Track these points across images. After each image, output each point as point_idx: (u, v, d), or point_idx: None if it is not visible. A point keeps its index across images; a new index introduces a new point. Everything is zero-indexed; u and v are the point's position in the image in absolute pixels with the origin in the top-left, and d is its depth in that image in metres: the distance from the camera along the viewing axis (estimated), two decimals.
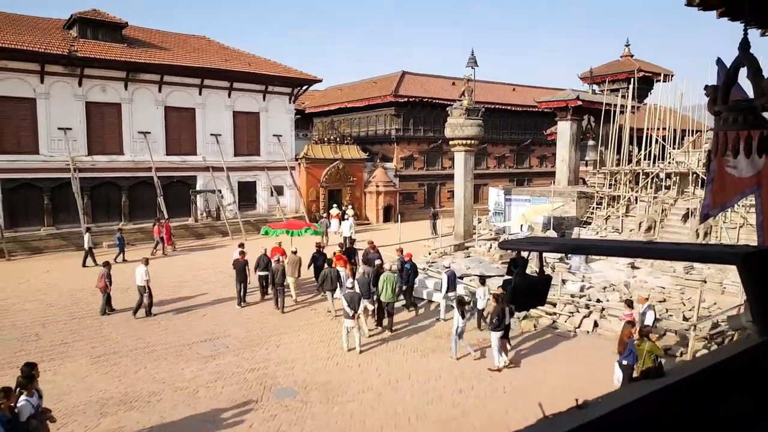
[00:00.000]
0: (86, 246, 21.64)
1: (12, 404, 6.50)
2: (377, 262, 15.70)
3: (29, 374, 7.14)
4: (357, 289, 13.10)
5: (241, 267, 15.83)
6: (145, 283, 14.75)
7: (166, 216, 26.28)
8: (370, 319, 14.04)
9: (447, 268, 15.39)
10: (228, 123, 30.53)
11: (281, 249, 17.20)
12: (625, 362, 9.65)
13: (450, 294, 14.30)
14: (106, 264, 15.56)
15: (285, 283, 15.64)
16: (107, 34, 27.40)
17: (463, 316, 11.94)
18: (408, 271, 15.55)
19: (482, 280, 14.46)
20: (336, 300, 14.86)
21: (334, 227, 26.87)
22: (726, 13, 4.96)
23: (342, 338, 12.52)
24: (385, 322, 14.11)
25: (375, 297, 14.00)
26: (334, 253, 17.21)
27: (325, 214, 30.07)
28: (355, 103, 39.81)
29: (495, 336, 11.36)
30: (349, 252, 18.41)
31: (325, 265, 15.81)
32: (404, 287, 15.54)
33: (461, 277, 17.47)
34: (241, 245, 17.33)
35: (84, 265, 21.10)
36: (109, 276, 15.00)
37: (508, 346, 12.09)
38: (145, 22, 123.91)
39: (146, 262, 15.42)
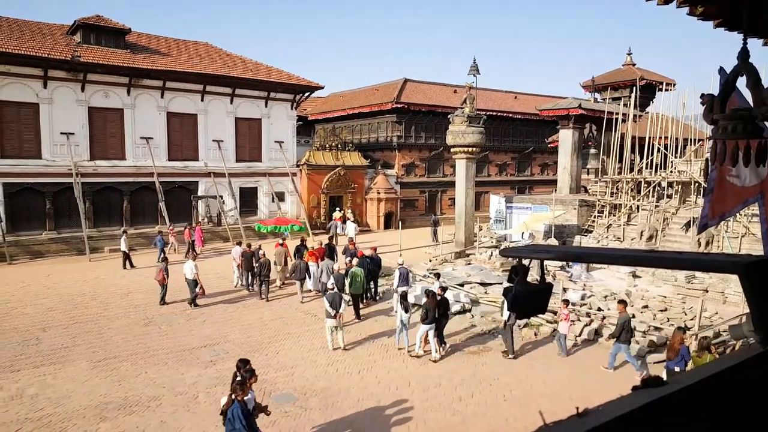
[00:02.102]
0: (123, 248, 22.07)
1: (246, 397, 7.15)
2: (347, 259, 17.35)
3: (250, 369, 7.76)
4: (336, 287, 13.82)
5: (248, 257, 18.04)
6: (194, 277, 16.00)
7: (167, 221, 26.34)
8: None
9: (400, 265, 16.21)
10: (230, 129, 30.61)
11: (284, 245, 19.38)
12: (676, 368, 9.52)
13: (400, 289, 14.75)
14: (165, 259, 17.12)
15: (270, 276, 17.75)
16: (110, 39, 27.51)
17: (406, 311, 12.78)
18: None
19: (437, 275, 15.83)
20: (307, 291, 17.70)
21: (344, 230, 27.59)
22: (723, 24, 4.97)
23: (327, 338, 12.94)
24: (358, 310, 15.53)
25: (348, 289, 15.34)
26: (308, 249, 18.87)
27: (335, 218, 30.53)
28: (357, 110, 39.86)
29: (423, 327, 12.30)
30: (330, 248, 19.50)
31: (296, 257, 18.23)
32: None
33: (462, 284, 17.52)
34: (239, 243, 19.98)
35: (125, 267, 21.73)
36: (166, 270, 16.40)
37: (442, 342, 12.79)
38: (148, 28, 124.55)
39: (194, 257, 17.12)
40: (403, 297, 13.13)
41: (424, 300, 13.04)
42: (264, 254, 17.84)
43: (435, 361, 12.17)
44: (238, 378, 7.62)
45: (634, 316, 13.67)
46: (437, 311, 12.37)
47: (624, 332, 11.33)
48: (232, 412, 6.86)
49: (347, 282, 15.48)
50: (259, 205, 31.81)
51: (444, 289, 13.64)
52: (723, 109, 3.86)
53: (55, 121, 25.16)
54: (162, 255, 19.77)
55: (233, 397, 6.99)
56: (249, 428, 6.95)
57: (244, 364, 7.94)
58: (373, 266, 17.27)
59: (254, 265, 17.76)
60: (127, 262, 21.91)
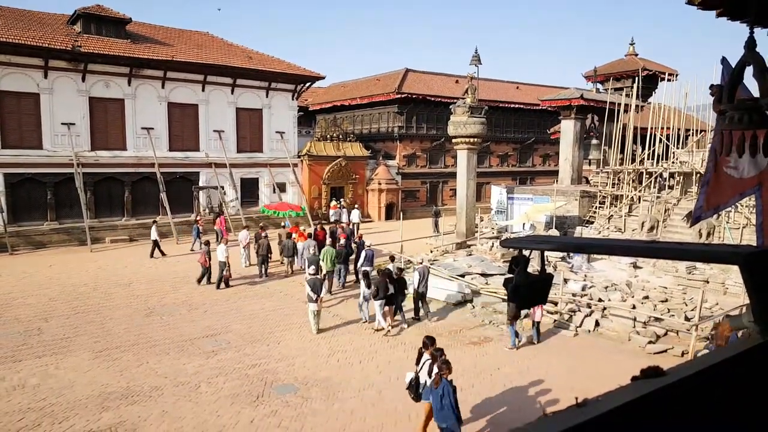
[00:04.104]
0: (153, 237, 22.39)
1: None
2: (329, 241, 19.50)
3: (440, 348, 8.40)
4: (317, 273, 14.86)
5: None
6: (225, 259, 17.25)
7: (168, 212, 26.34)
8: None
9: (368, 247, 17.59)
10: (231, 119, 30.54)
11: (296, 228, 21.76)
12: None
13: (366, 268, 16.03)
14: (207, 243, 18.34)
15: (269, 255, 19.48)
16: (111, 29, 27.38)
17: (368, 287, 13.97)
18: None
19: (391, 258, 17.12)
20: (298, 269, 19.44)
21: (349, 217, 29.11)
22: (725, 13, 4.91)
23: (310, 322, 13.46)
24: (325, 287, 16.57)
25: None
26: (299, 231, 21.29)
27: (338, 207, 31.31)
28: (358, 101, 39.74)
29: (376, 303, 13.53)
30: (331, 232, 21.49)
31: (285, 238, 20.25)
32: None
33: (463, 275, 17.56)
34: (246, 227, 22.18)
35: (152, 256, 22.00)
36: (208, 253, 17.69)
37: (397, 317, 14.19)
38: (148, 17, 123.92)
39: (226, 242, 18.24)
40: (365, 275, 14.53)
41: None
42: (266, 236, 19.27)
43: (387, 333, 13.41)
44: (426, 356, 8.31)
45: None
46: (390, 289, 13.63)
47: (518, 310, 12.62)
48: (443, 389, 7.38)
49: (321, 260, 16.93)
50: (260, 195, 31.78)
51: (401, 270, 15.01)
52: (731, 99, 3.83)
53: (55, 111, 25.11)
54: (199, 241, 20.59)
55: (441, 375, 7.50)
56: (456, 403, 7.48)
57: (431, 342, 8.59)
58: (359, 251, 18.62)
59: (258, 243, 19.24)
60: (156, 251, 22.16)
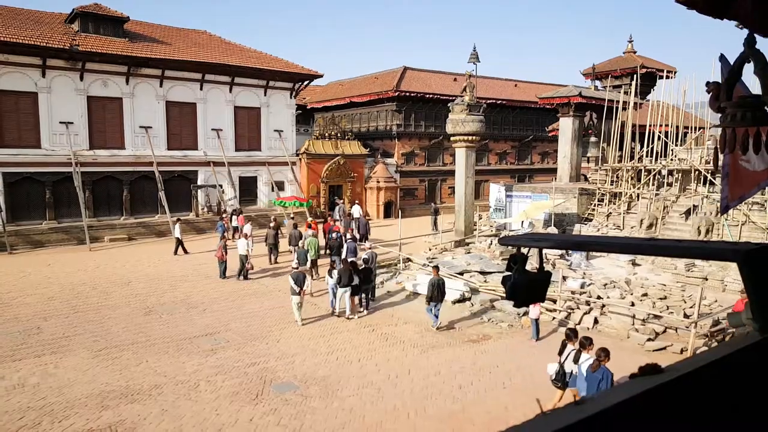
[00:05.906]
0: (176, 236, 22.81)
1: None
2: (312, 231, 20.53)
3: (588, 337, 8.82)
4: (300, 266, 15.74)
5: (297, 235, 21.00)
6: (246, 253, 18.37)
7: (167, 211, 26.30)
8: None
9: (350, 239, 18.73)
10: (229, 118, 30.48)
11: (308, 222, 23.07)
12: None
13: (350, 259, 16.45)
14: (223, 237, 19.49)
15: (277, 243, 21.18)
16: (109, 28, 27.32)
17: (332, 277, 14.76)
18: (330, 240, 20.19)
19: (370, 253, 17.75)
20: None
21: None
22: (706, 11, 4.88)
23: (294, 314, 13.95)
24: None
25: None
26: (305, 221, 23.67)
27: (340, 202, 31.67)
28: (357, 99, 39.68)
29: (340, 290, 14.36)
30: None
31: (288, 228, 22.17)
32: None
33: (462, 273, 17.58)
34: (249, 221, 23.64)
35: (176, 253, 22.49)
36: (225, 247, 18.53)
37: (359, 308, 14.91)
38: (146, 16, 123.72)
39: (246, 236, 19.41)
40: (332, 266, 15.35)
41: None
42: (274, 226, 21.11)
43: (349, 319, 14.27)
44: (570, 347, 8.71)
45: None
46: (355, 278, 14.27)
47: (435, 293, 13.40)
48: (602, 374, 7.76)
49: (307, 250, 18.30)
50: (258, 194, 31.77)
51: (367, 260, 16.02)
52: (730, 96, 3.81)
53: (54, 110, 25.06)
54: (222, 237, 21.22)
55: (600, 361, 7.83)
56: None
57: (575, 334, 9.05)
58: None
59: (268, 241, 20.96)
60: (180, 249, 22.57)
